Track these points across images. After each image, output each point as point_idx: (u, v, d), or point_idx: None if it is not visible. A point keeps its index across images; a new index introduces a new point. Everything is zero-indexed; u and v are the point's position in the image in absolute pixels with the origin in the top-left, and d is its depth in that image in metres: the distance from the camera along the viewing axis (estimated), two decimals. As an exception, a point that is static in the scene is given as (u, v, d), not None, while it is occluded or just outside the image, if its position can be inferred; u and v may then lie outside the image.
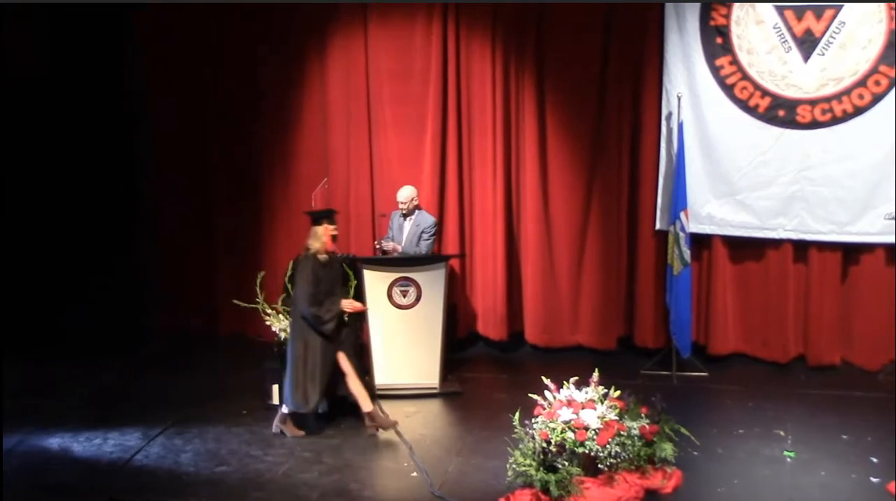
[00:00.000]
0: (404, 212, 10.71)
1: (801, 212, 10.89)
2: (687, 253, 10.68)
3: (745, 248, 11.13)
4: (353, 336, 10.10)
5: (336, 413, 9.71)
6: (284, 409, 9.28)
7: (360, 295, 10.17)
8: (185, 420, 9.58)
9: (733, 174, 11.03)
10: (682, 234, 10.66)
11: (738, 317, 11.31)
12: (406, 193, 10.73)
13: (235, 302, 10.44)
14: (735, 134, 10.98)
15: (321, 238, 9.30)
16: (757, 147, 10.94)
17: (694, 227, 10.92)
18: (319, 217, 9.43)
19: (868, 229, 10.79)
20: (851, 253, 10.99)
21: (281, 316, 10.01)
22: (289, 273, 10.15)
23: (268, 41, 11.97)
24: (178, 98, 12.23)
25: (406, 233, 10.70)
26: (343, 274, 10.05)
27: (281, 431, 9.26)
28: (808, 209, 10.87)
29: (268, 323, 10.08)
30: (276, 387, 9.85)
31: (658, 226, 11.28)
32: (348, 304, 9.33)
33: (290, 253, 10.84)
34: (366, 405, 9.22)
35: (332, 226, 9.39)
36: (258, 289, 10.10)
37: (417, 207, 10.79)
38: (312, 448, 8.94)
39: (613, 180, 11.45)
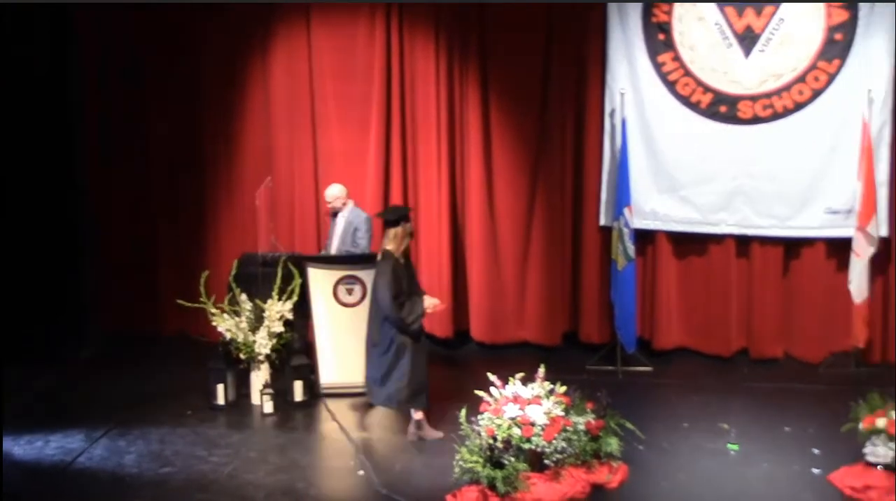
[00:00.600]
0: (334, 210, 10.65)
1: (742, 206, 11.01)
2: (631, 249, 10.76)
3: (689, 243, 11.25)
4: (297, 335, 10.10)
5: (281, 412, 9.68)
6: (418, 415, 9.12)
7: (304, 294, 10.14)
8: (128, 421, 9.49)
9: (676, 169, 11.12)
10: (626, 230, 10.74)
11: (682, 312, 11.41)
12: (332, 192, 10.66)
13: (179, 302, 10.36)
14: (678, 129, 11.08)
15: (399, 239, 9.02)
16: (699, 142, 11.05)
17: (638, 223, 11.00)
18: (398, 218, 9.10)
19: (809, 223, 10.94)
20: (793, 247, 11.13)
21: (226, 315, 9.95)
22: (233, 272, 10.10)
23: (209, 40, 11.89)
24: (119, 95, 12.11)
25: (339, 231, 10.66)
26: (289, 273, 10.01)
27: (419, 438, 9.07)
28: (750, 204, 11.00)
29: (213, 323, 10.02)
30: (220, 387, 9.79)
31: (602, 222, 11.35)
32: (430, 305, 9.11)
33: (235, 252, 10.82)
34: (418, 414, 9.16)
35: (409, 226, 9.16)
36: (202, 289, 10.04)
37: (346, 204, 10.70)
38: (258, 448, 8.90)
39: (557, 177, 11.50)
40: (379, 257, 9.05)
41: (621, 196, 10.77)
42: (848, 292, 10.66)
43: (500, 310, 11.66)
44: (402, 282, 8.94)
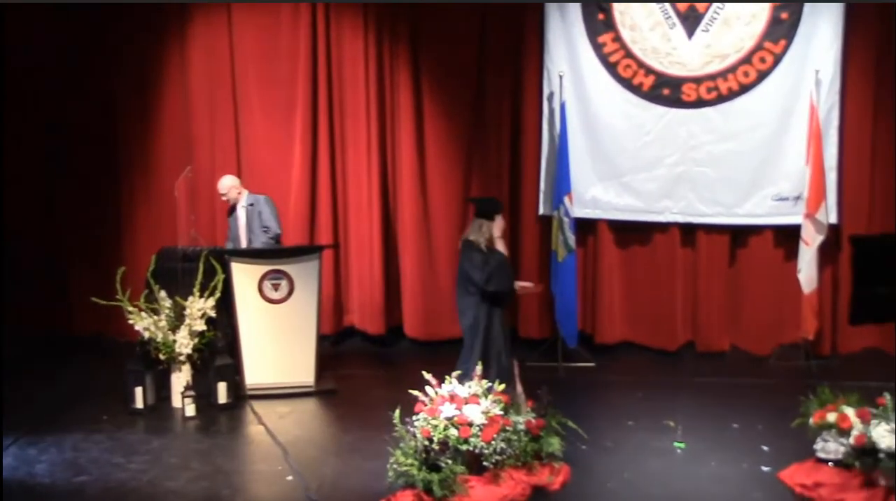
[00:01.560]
0: (229, 202, 10.54)
1: (687, 193, 11.07)
2: (571, 239, 10.78)
3: (632, 233, 11.29)
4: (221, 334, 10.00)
5: (204, 416, 9.58)
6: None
7: (228, 290, 10.04)
8: (39, 428, 9.34)
9: (618, 156, 11.16)
10: (566, 219, 10.75)
11: (626, 304, 11.46)
12: (227, 183, 10.54)
13: (94, 299, 10.20)
14: (619, 114, 11.12)
15: (491, 232, 8.82)
16: (641, 127, 11.10)
17: (578, 212, 11.03)
18: (486, 210, 8.91)
19: (756, 211, 11.03)
20: (740, 235, 11.23)
21: (144, 314, 9.82)
22: (151, 267, 9.97)
23: (122, 19, 11.72)
24: (32, 84, 11.88)
25: (243, 222, 10.56)
26: (211, 268, 9.91)
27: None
28: (695, 191, 11.06)
29: (130, 322, 9.88)
30: (139, 390, 9.66)
31: (541, 212, 11.37)
32: (519, 286, 9.01)
33: (153, 247, 10.65)
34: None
35: (493, 224, 8.88)
36: (118, 286, 9.89)
37: (242, 194, 10.59)
38: (179, 453, 8.78)
39: (494, 164, 11.50)
40: (460, 246, 8.99)
41: (561, 184, 10.78)
42: (797, 282, 10.75)
43: (434, 305, 11.63)
44: (487, 263, 8.81)
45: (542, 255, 11.39)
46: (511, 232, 11.57)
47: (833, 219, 10.83)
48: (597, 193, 11.23)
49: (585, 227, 11.31)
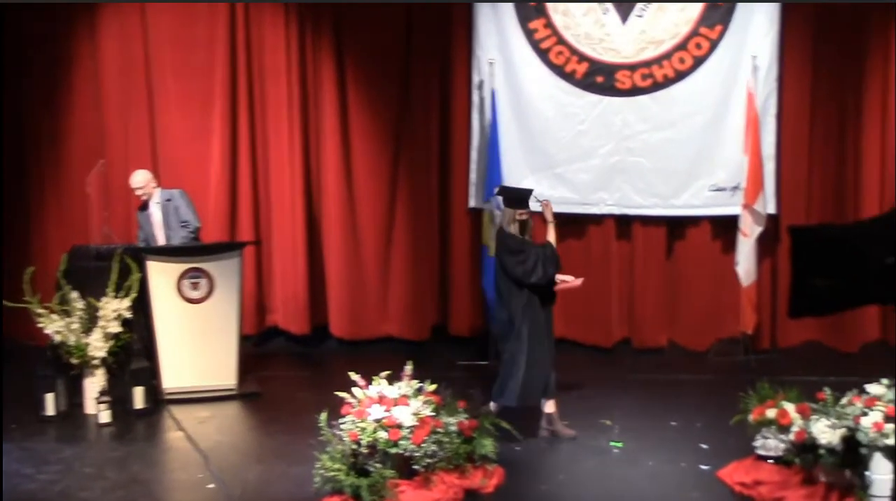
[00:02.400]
0: (144, 198, 10.46)
1: (622, 184, 11.15)
2: (503, 233, 10.81)
3: (566, 225, 11.32)
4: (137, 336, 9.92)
5: (119, 422, 9.50)
6: (549, 408, 9.00)
7: (144, 290, 9.95)
8: (-57, 438, 9.22)
9: (551, 146, 11.21)
10: (497, 212, 10.78)
11: (559, 300, 11.42)
12: (141, 178, 10.43)
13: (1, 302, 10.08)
14: (551, 102, 11.17)
15: (507, 220, 9.01)
16: (575, 116, 11.16)
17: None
18: (508, 198, 9.09)
19: (693, 201, 11.14)
20: (676, 227, 11.34)
21: (54, 316, 9.71)
22: (62, 267, 9.85)
23: (27, 7, 11.56)
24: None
25: (159, 218, 10.48)
26: (126, 267, 9.82)
27: (551, 433, 8.97)
28: (630, 181, 11.15)
29: (40, 324, 9.77)
30: (49, 396, 9.55)
31: (472, 204, 11.39)
32: (560, 280, 9.02)
33: (64, 246, 10.49)
34: (549, 406, 9.03)
35: (520, 212, 8.95)
36: (27, 287, 9.77)
37: (156, 189, 10.52)
38: (94, 462, 8.70)
39: (422, 156, 11.50)
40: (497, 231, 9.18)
41: (492, 175, 10.81)
42: (735, 274, 10.88)
43: (361, 303, 11.62)
44: (523, 249, 8.88)
45: (472, 250, 11.42)
46: (440, 226, 11.63)
47: (771, 209, 10.98)
48: (529, 185, 11.25)
49: (518, 220, 11.36)
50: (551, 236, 8.96)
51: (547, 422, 9.01)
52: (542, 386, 8.87)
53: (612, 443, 8.84)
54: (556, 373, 9.02)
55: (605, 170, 11.15)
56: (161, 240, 10.43)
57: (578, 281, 9.02)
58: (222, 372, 10.13)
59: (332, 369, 10.89)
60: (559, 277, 8.97)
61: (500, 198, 9.55)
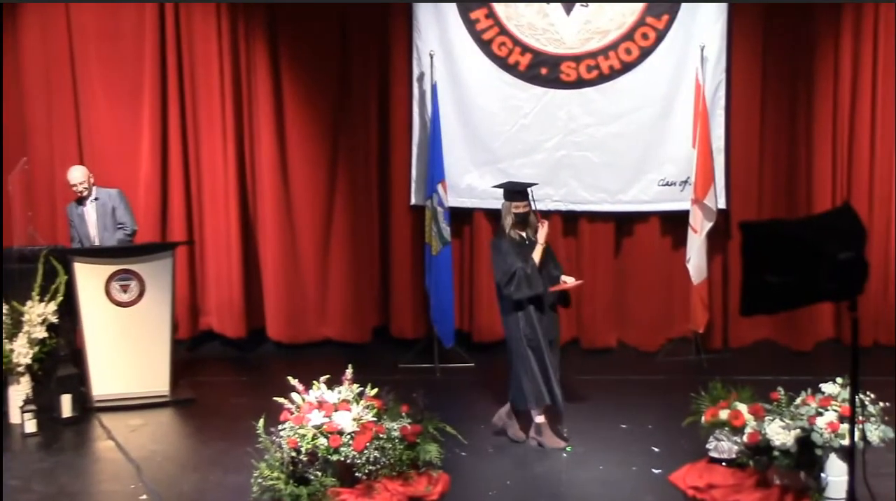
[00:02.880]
0: (84, 194, 10.37)
1: (569, 180, 11.20)
2: (446, 231, 10.82)
3: (510, 222, 11.39)
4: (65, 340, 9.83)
5: (46, 432, 9.42)
6: (540, 419, 9.00)
7: (71, 293, 9.86)
8: None
9: (494, 140, 11.24)
10: (440, 209, 10.79)
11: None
12: (78, 174, 10.34)
13: None
14: (494, 95, 11.19)
15: (504, 215, 8.99)
16: (518, 109, 11.19)
17: (453, 201, 11.08)
18: (507, 191, 9.04)
19: (641, 197, 11.21)
20: (625, 223, 11.41)
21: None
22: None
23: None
24: None
25: (94, 218, 10.39)
26: (51, 269, 9.72)
27: (539, 443, 8.94)
28: (577, 176, 11.20)
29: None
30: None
31: (413, 201, 11.40)
32: (568, 278, 9.03)
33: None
34: (539, 417, 8.99)
35: (517, 205, 8.90)
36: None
37: (93, 186, 10.44)
38: (19, 474, 8.60)
39: (361, 151, 11.49)
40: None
41: (434, 171, 10.82)
42: (686, 272, 10.95)
43: (299, 305, 11.60)
44: (517, 256, 8.87)
45: (414, 248, 11.43)
46: (381, 223, 11.63)
47: (722, 204, 11.07)
48: (472, 181, 11.29)
49: (461, 217, 11.38)
50: (537, 255, 8.91)
51: (536, 432, 9.02)
52: (547, 389, 8.90)
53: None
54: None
55: (550, 165, 11.19)
56: (96, 240, 10.34)
57: (574, 283, 9.04)
58: (154, 377, 10.06)
59: (269, 373, 10.87)
60: (563, 280, 9.02)
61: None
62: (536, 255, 8.85)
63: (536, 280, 8.80)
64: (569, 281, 9.01)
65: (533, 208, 8.94)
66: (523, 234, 8.94)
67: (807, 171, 11.22)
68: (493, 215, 11.28)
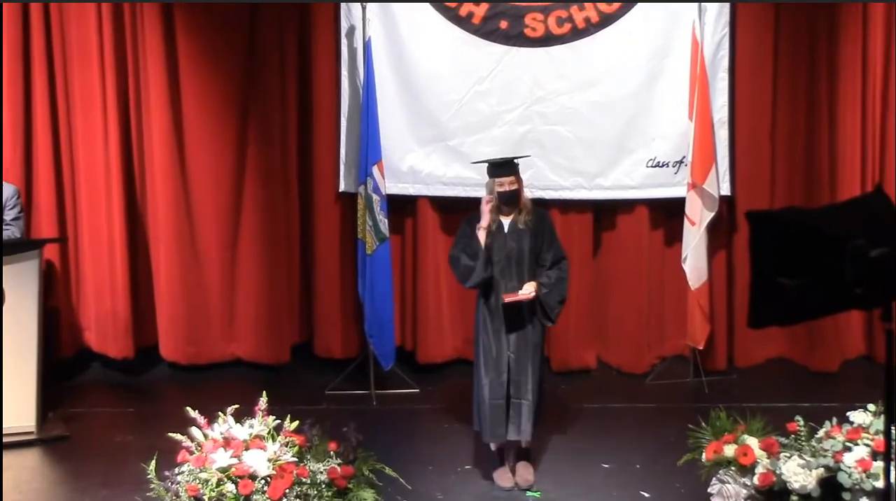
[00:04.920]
0: None
1: (535, 161, 11.19)
2: (384, 224, 10.81)
3: (464, 214, 11.34)
4: None
5: None
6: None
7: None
8: None
9: (442, 112, 11.24)
10: (375, 197, 10.78)
11: (457, 310, 11.54)
12: None
13: None
14: (442, 55, 11.20)
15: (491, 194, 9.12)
16: (473, 73, 11.20)
17: (392, 187, 11.10)
18: (489, 166, 9.26)
19: (625, 181, 11.25)
20: (605, 214, 11.48)
21: None
22: None
23: None
24: None
25: None
26: None
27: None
28: (545, 156, 11.21)
29: None
30: None
31: (342, 188, 11.40)
32: (529, 287, 8.97)
33: None
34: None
35: (500, 181, 9.03)
36: None
37: None
38: None
39: (276, 126, 11.46)
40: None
41: (368, 151, 10.79)
42: (681, 274, 11.00)
43: (200, 317, 11.57)
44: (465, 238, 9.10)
45: (344, 247, 11.45)
46: (302, 216, 11.62)
47: (725, 189, 11.13)
48: (416, 162, 11.30)
49: (402, 208, 11.42)
50: (482, 234, 9.00)
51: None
52: (503, 421, 8.96)
53: (529, 493, 8.90)
54: (535, 410, 9.07)
55: (512, 143, 11.18)
56: None
57: (528, 294, 9.02)
58: (17, 410, 9.97)
59: (162, 403, 10.84)
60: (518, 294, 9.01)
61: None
62: (481, 234, 9.00)
63: (472, 269, 9.01)
64: (526, 289, 9.00)
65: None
66: (508, 219, 9.03)
67: (830, 149, 11.28)
68: (442, 204, 11.36)
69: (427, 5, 11.13)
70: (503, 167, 9.08)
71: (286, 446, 8.00)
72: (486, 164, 9.27)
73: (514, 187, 9.00)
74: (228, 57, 11.36)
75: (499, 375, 8.90)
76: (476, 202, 10.97)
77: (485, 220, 8.97)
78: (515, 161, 9.15)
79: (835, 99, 11.24)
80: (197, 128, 11.40)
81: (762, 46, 11.24)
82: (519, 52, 11.16)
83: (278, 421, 8.16)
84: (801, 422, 7.90)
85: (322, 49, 11.39)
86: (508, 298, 8.93)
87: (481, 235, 8.94)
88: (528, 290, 8.95)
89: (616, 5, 11.04)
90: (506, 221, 9.03)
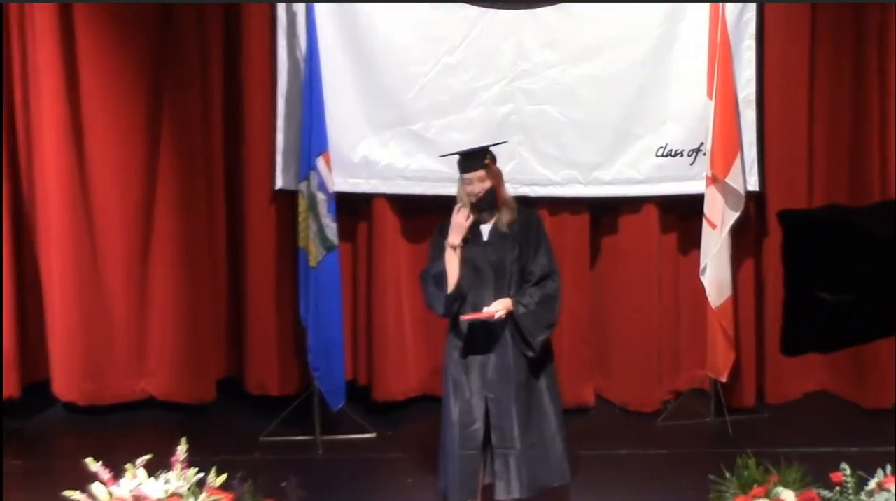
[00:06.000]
0: None
1: (519, 149, 11.23)
2: (331, 229, 10.81)
3: (430, 215, 11.36)
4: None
5: None
6: None
7: None
8: None
9: (404, 89, 11.27)
10: (321, 196, 10.78)
11: (423, 337, 11.57)
12: None
13: None
14: (403, 19, 11.21)
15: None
16: (441, 40, 11.23)
17: (342, 183, 11.12)
18: (459, 159, 9.06)
19: (630, 174, 11.28)
20: (604, 215, 11.51)
21: None
22: None
23: None
24: None
25: None
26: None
27: None
28: (531, 143, 11.25)
29: None
30: None
31: (279, 185, 11.41)
32: (499, 305, 8.83)
33: None
34: None
35: (467, 177, 8.94)
36: None
37: None
38: None
39: (196, 109, 11.47)
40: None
41: (311, 139, 10.80)
42: (699, 289, 11.03)
43: (102, 347, 11.56)
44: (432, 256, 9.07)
45: (282, 258, 11.47)
46: (229, 220, 11.62)
47: (753, 184, 11.17)
48: (371, 151, 11.31)
49: (354, 208, 11.48)
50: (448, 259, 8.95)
51: None
52: (475, 475, 8.96)
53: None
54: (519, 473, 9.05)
55: (490, 127, 11.21)
56: None
57: (491, 312, 8.99)
58: None
59: (56, 453, 10.85)
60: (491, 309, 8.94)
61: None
62: (448, 259, 8.91)
63: (437, 293, 8.98)
64: (494, 306, 8.91)
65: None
66: (488, 224, 8.97)
67: (881, 132, 11.33)
68: (404, 204, 11.38)
69: (383, -43, 11.20)
70: (470, 159, 8.95)
71: (211, 504, 8.03)
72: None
73: (486, 185, 8.86)
74: (139, 28, 11.36)
75: (472, 420, 8.90)
76: (448, 201, 11.11)
77: (454, 236, 8.88)
78: (488, 150, 9.01)
79: (886, 70, 11.28)
80: (98, 113, 11.39)
81: (797, 7, 11.28)
82: (498, 15, 11.18)
83: (201, 475, 8.18)
84: (848, 471, 7.94)
85: (253, 13, 11.39)
86: (465, 317, 8.87)
87: (449, 256, 8.87)
88: (496, 308, 8.81)
89: (617, -45, 11.12)
90: (485, 227, 8.96)
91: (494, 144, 9.19)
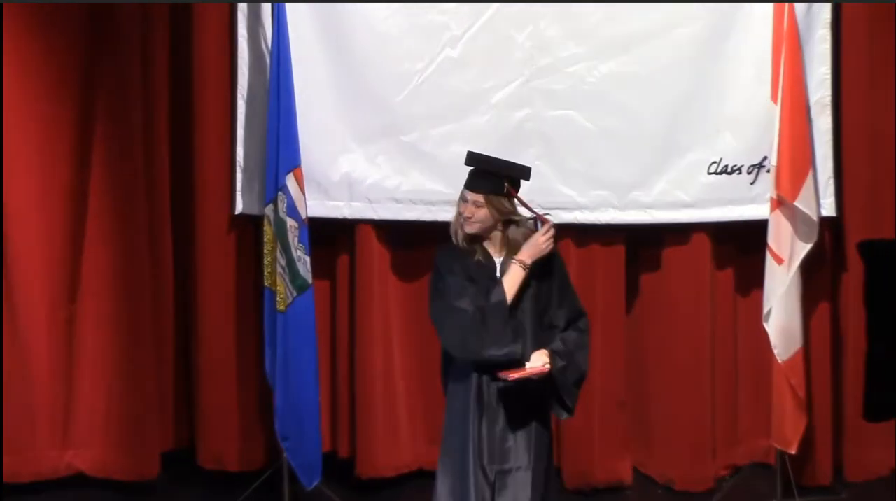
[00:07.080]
0: None
1: (539, 165, 11.22)
2: (305, 263, 10.84)
3: (426, 246, 11.38)
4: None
5: None
6: None
7: None
8: None
9: (394, 90, 11.30)
10: (291, 222, 10.80)
11: (418, 393, 11.58)
12: None
13: None
14: (393, 4, 11.24)
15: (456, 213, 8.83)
16: (441, 31, 11.27)
17: (318, 206, 11.17)
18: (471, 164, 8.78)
19: (677, 195, 11.29)
20: (645, 246, 11.50)
21: None
22: None
23: None
24: None
25: None
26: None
27: None
28: (552, 157, 11.27)
29: None
30: None
31: (240, 209, 11.43)
32: (538, 358, 8.63)
33: None
34: None
35: (474, 196, 8.64)
36: None
37: None
38: None
39: (139, 118, 11.49)
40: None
41: (279, 151, 10.82)
42: (762, 336, 11.05)
43: (19, 412, 11.55)
44: (467, 284, 8.75)
45: (242, 300, 11.49)
46: (177, 254, 11.64)
47: (828, 209, 11.18)
48: (354, 168, 11.33)
49: (332, 238, 11.51)
50: (510, 282, 8.82)
51: None
52: None
53: None
54: None
55: (502, 136, 11.24)
56: None
57: (541, 368, 8.92)
58: None
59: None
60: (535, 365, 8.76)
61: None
62: (510, 282, 8.73)
63: (502, 329, 8.67)
64: (536, 360, 8.76)
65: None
66: (492, 251, 8.86)
67: None
68: (395, 231, 11.39)
69: (369, -67, 11.24)
70: (480, 176, 8.70)
71: None
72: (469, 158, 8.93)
73: (480, 215, 8.65)
74: (67, 20, 11.40)
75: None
76: (440, 229, 11.11)
77: (527, 254, 8.64)
78: (515, 173, 8.76)
79: None
80: (16, 120, 11.42)
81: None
82: (510, 8, 11.20)
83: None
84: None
85: (210, 10, 11.42)
86: (512, 375, 8.53)
87: (515, 277, 8.61)
88: (543, 361, 8.64)
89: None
90: (498, 260, 8.81)
91: (516, 168, 8.83)
